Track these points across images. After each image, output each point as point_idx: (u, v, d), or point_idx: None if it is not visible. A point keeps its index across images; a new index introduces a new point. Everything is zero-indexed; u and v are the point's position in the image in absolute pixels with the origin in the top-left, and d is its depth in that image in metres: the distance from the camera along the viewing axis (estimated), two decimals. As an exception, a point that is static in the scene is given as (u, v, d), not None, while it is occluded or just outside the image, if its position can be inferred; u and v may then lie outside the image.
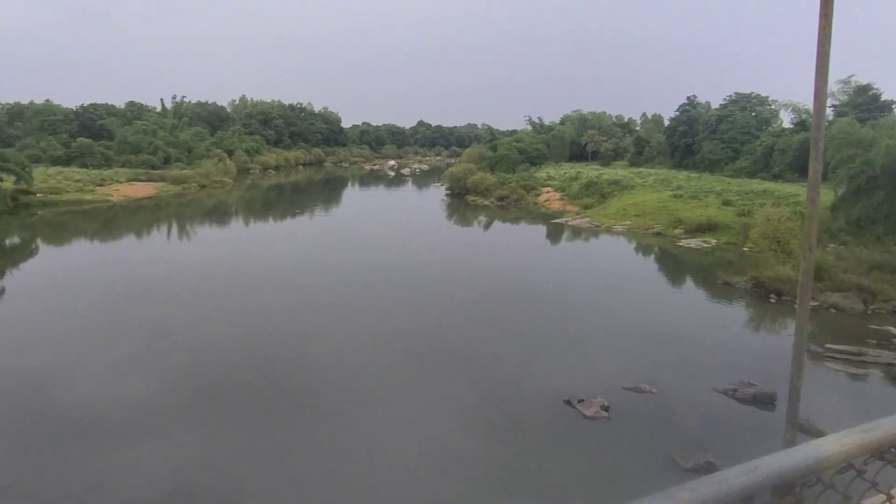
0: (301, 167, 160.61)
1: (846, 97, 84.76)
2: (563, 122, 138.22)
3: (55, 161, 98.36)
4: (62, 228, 62.30)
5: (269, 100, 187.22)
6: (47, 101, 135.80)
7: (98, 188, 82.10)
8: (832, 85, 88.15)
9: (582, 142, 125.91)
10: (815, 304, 31.64)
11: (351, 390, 22.05)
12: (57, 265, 44.85)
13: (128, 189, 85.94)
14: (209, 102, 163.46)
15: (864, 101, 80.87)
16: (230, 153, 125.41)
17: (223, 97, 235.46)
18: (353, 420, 19.75)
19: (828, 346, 26.01)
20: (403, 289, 36.83)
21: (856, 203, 43.17)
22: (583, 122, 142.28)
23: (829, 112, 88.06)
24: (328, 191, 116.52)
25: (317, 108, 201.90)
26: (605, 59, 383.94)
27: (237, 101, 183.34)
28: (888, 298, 32.40)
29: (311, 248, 51.86)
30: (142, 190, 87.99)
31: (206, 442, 18.30)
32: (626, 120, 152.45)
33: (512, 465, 17.31)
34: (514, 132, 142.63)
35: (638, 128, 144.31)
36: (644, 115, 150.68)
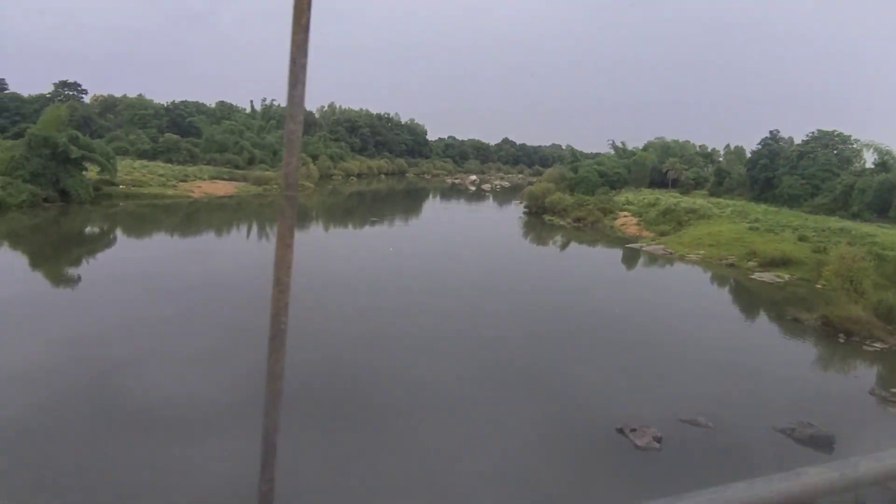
0: (383, 176, 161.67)
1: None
2: (645, 148, 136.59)
3: (141, 154, 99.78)
4: (142, 220, 63.91)
5: (356, 108, 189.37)
6: (139, 95, 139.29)
7: (181, 184, 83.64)
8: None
9: (663, 169, 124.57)
10: (885, 346, 31.05)
11: (417, 399, 22.35)
12: (134, 257, 46.15)
13: (209, 186, 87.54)
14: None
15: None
16: (314, 158, 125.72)
17: (311, 103, 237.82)
18: (415, 430, 19.98)
19: (894, 390, 25.50)
20: (476, 302, 37.18)
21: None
22: (665, 150, 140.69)
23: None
24: (409, 201, 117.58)
25: (403, 120, 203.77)
26: (691, 88, 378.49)
27: (325, 108, 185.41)
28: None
29: (388, 255, 52.66)
30: (223, 188, 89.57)
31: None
32: (709, 150, 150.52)
33: (559, 489, 17.38)
34: (596, 155, 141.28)
35: (720, 158, 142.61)
36: (727, 146, 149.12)
